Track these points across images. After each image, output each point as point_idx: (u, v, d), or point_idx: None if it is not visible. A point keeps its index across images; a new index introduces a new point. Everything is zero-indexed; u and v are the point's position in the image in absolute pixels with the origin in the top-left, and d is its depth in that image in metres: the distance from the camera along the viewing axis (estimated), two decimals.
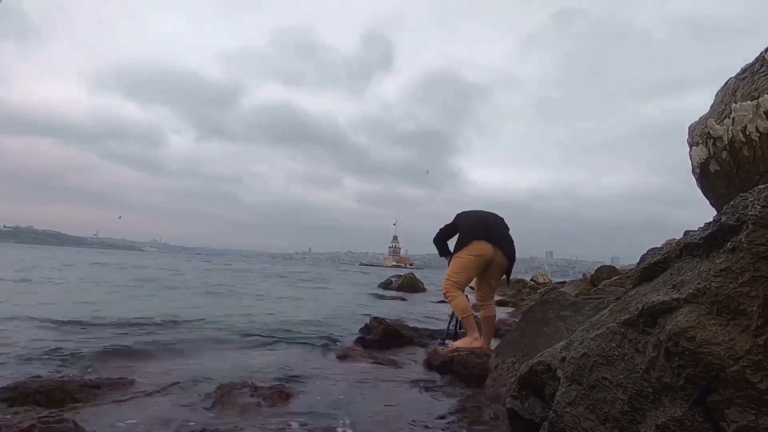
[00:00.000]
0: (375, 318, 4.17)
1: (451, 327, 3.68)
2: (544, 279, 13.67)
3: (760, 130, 1.92)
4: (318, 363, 2.94)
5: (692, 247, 1.06)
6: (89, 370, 2.39)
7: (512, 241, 3.43)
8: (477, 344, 3.17)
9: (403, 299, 9.36)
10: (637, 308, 1.06)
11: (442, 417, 1.98)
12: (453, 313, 3.69)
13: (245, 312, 5.36)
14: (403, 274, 13.90)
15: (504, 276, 3.46)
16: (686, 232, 1.12)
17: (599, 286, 5.08)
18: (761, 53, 2.04)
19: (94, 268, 14.33)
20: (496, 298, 3.70)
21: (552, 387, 1.27)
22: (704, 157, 2.30)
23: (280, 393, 2.11)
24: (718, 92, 2.31)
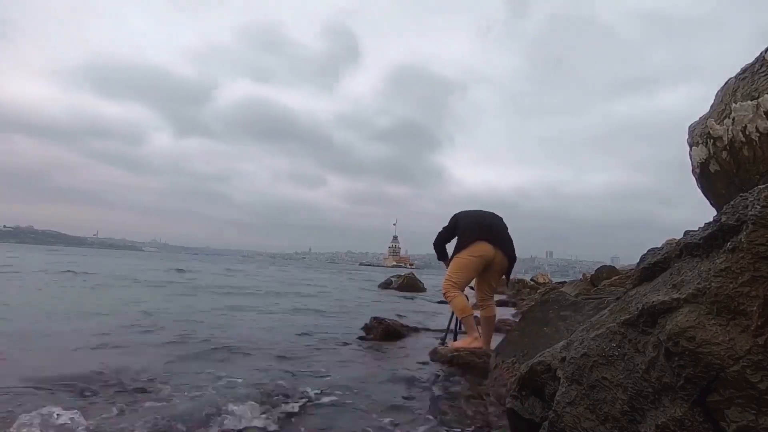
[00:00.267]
0: (375, 318, 4.17)
1: (451, 327, 3.68)
2: (544, 279, 13.66)
3: (760, 130, 1.92)
4: (318, 362, 2.94)
5: (692, 247, 1.06)
6: None
7: (512, 241, 3.42)
8: (477, 344, 3.17)
9: (403, 299, 9.36)
10: (637, 308, 1.06)
11: (443, 417, 1.98)
12: (452, 316, 3.69)
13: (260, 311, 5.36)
14: (403, 274, 13.91)
15: (504, 276, 3.46)
16: (686, 232, 1.12)
17: (599, 286, 5.08)
18: (761, 53, 2.04)
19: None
20: (496, 298, 3.69)
21: (552, 387, 1.27)
22: (704, 157, 2.30)
23: None
24: (718, 92, 2.31)
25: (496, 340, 3.26)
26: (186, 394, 2.07)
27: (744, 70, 2.11)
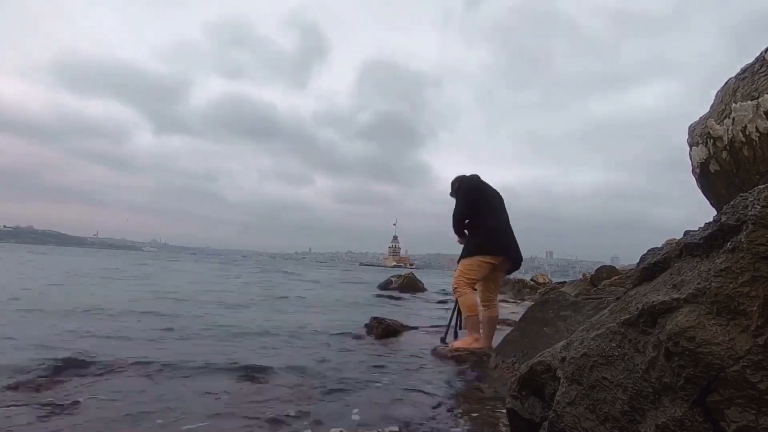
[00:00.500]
0: (375, 318, 4.17)
1: (451, 327, 3.68)
2: (544, 279, 13.65)
3: (760, 130, 1.92)
4: (317, 364, 2.94)
5: (692, 247, 1.06)
6: None
7: (518, 247, 3.46)
8: (477, 345, 3.17)
9: (403, 299, 9.36)
10: (637, 308, 1.06)
11: (443, 417, 1.98)
12: (453, 312, 3.69)
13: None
14: (403, 274, 13.90)
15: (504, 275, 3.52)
16: (686, 232, 1.12)
17: (599, 286, 5.08)
18: (761, 53, 2.04)
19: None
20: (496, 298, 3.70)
21: (552, 387, 1.27)
22: (704, 157, 2.30)
23: None
24: (718, 92, 2.31)
25: (496, 340, 3.27)
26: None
27: (744, 70, 2.11)
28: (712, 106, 2.32)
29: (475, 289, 3.45)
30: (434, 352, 3.22)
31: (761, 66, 2.00)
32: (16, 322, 3.79)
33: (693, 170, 2.55)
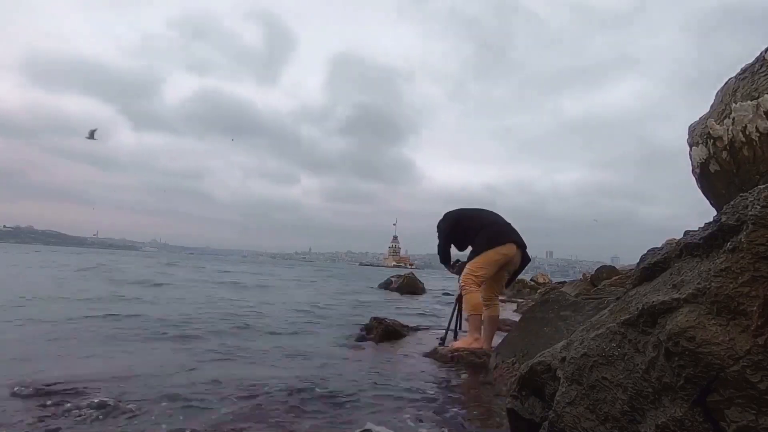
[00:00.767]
0: (375, 318, 4.17)
1: (451, 326, 3.68)
2: (544, 279, 13.66)
3: (760, 130, 1.92)
4: (318, 361, 2.94)
5: (692, 247, 1.06)
6: None
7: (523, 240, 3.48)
8: (477, 345, 3.17)
9: (403, 299, 9.36)
10: (637, 308, 1.06)
11: (443, 417, 1.98)
12: (453, 312, 3.69)
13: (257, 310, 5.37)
14: (403, 274, 13.90)
15: (509, 277, 3.50)
16: (686, 232, 1.12)
17: (599, 286, 5.08)
18: (761, 53, 2.04)
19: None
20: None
21: (552, 387, 1.27)
22: (704, 157, 2.30)
23: None
24: (718, 92, 2.31)
25: (496, 340, 3.26)
26: None
27: (744, 70, 2.11)
28: (712, 106, 2.32)
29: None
30: (434, 352, 3.22)
31: (761, 66, 2.00)
32: None
33: (693, 170, 2.55)
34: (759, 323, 0.84)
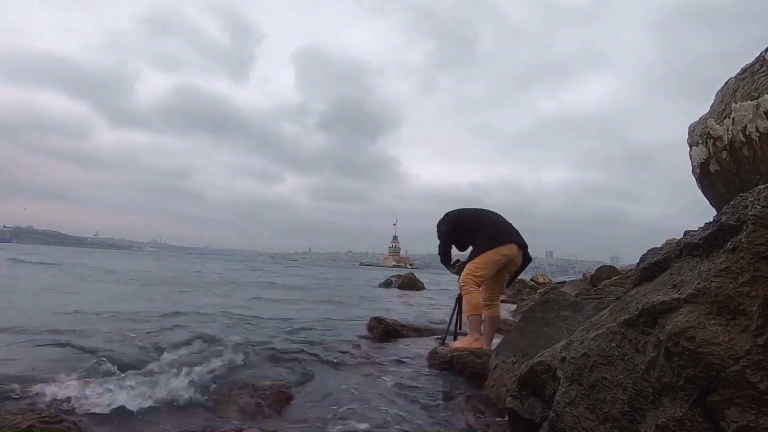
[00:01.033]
0: (375, 318, 4.17)
1: (451, 327, 3.68)
2: (544, 279, 13.65)
3: (760, 130, 1.92)
4: (318, 363, 2.94)
5: (692, 247, 1.06)
6: None
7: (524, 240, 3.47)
8: (477, 345, 3.17)
9: (403, 299, 9.36)
10: (637, 308, 1.06)
11: (442, 416, 1.98)
12: (454, 312, 3.68)
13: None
14: (403, 274, 13.89)
15: (510, 277, 3.49)
16: (686, 232, 1.12)
17: (599, 286, 5.07)
18: (761, 53, 2.04)
19: None
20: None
21: (552, 387, 1.27)
22: (704, 157, 2.31)
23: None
24: (718, 92, 2.31)
25: (496, 340, 3.26)
26: None
27: (744, 70, 2.11)
28: (712, 106, 2.32)
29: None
30: (434, 352, 3.22)
31: (761, 66, 2.00)
32: None
33: (693, 170, 2.55)
34: (759, 323, 0.84)
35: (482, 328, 3.32)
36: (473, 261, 3.30)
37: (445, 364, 2.85)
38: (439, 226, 3.62)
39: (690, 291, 0.95)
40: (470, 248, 3.43)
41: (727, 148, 2.11)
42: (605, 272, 6.58)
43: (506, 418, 1.55)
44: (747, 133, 1.98)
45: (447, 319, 3.84)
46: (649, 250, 1.27)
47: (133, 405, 1.92)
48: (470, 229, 3.44)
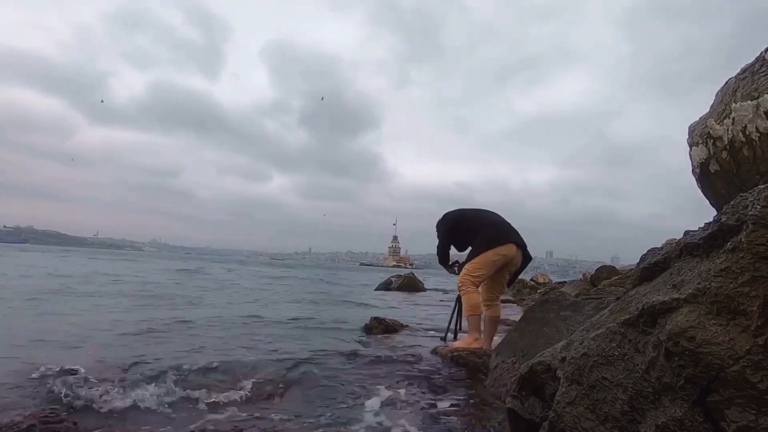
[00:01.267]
0: (375, 318, 4.17)
1: (451, 326, 3.68)
2: (544, 279, 13.64)
3: (760, 130, 1.92)
4: (318, 363, 2.94)
5: (692, 247, 1.06)
6: None
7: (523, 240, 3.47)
8: (477, 345, 3.17)
9: (403, 299, 9.36)
10: (637, 308, 1.06)
11: (442, 416, 1.98)
12: (454, 312, 3.69)
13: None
14: (403, 274, 13.89)
15: (510, 277, 3.48)
16: (686, 232, 1.12)
17: (599, 286, 5.07)
18: (761, 53, 2.04)
19: None
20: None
21: (552, 387, 1.27)
22: (704, 157, 2.31)
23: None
24: (718, 92, 2.31)
25: (496, 340, 3.26)
26: None
27: (744, 70, 2.12)
28: (712, 106, 2.32)
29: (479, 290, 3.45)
30: (434, 352, 3.22)
31: (761, 66, 2.00)
32: None
33: (693, 170, 2.55)
34: (759, 323, 0.84)
35: (482, 327, 3.32)
36: (471, 261, 3.30)
37: (444, 364, 2.85)
38: (438, 226, 3.62)
39: (690, 291, 0.95)
40: (469, 249, 3.43)
41: (727, 148, 2.11)
42: (605, 272, 6.58)
43: (506, 417, 1.55)
44: (747, 133, 1.98)
45: (447, 319, 3.84)
46: (649, 250, 1.27)
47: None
48: (469, 230, 3.43)
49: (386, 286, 12.44)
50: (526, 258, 3.43)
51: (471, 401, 2.23)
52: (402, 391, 2.36)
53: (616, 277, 5.56)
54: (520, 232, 3.45)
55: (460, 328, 3.69)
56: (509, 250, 3.30)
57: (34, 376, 2.19)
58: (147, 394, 2.03)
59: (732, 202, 0.99)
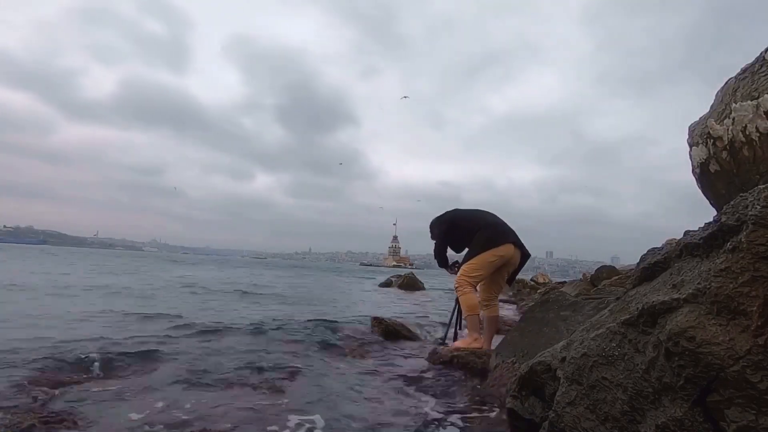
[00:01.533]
0: (375, 318, 4.17)
1: (451, 326, 3.68)
2: (544, 279, 13.66)
3: (760, 130, 1.92)
4: (318, 363, 2.94)
5: (692, 247, 1.06)
6: None
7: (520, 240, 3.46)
8: (477, 345, 3.17)
9: (403, 299, 9.37)
10: (637, 308, 1.06)
11: (442, 416, 1.98)
12: (454, 312, 3.69)
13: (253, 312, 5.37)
14: (403, 274, 13.90)
15: (509, 277, 3.48)
16: (686, 232, 1.12)
17: (599, 286, 5.08)
18: (761, 53, 2.04)
19: None
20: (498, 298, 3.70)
21: (552, 387, 1.27)
22: (704, 157, 2.31)
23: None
24: (718, 92, 2.31)
25: (496, 340, 3.26)
26: None
27: (744, 70, 2.11)
28: (712, 106, 2.32)
29: (476, 290, 3.45)
30: (434, 352, 3.22)
31: (761, 66, 2.00)
32: None
33: (693, 170, 2.55)
34: (759, 323, 0.84)
35: (481, 327, 3.32)
36: (468, 262, 3.30)
37: (445, 364, 2.85)
38: (432, 227, 3.59)
39: (690, 291, 0.95)
40: (466, 250, 3.43)
41: (727, 148, 2.11)
42: (605, 272, 6.58)
43: (506, 417, 1.55)
44: (747, 133, 1.98)
45: (446, 319, 3.84)
46: (649, 250, 1.27)
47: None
48: (467, 230, 3.42)
49: (386, 286, 12.45)
50: (525, 256, 3.42)
51: (471, 401, 2.23)
52: (402, 392, 2.36)
53: (616, 277, 5.56)
54: (517, 233, 3.44)
55: (461, 328, 3.69)
56: (507, 250, 3.30)
57: None
58: None
59: (732, 202, 0.99)
